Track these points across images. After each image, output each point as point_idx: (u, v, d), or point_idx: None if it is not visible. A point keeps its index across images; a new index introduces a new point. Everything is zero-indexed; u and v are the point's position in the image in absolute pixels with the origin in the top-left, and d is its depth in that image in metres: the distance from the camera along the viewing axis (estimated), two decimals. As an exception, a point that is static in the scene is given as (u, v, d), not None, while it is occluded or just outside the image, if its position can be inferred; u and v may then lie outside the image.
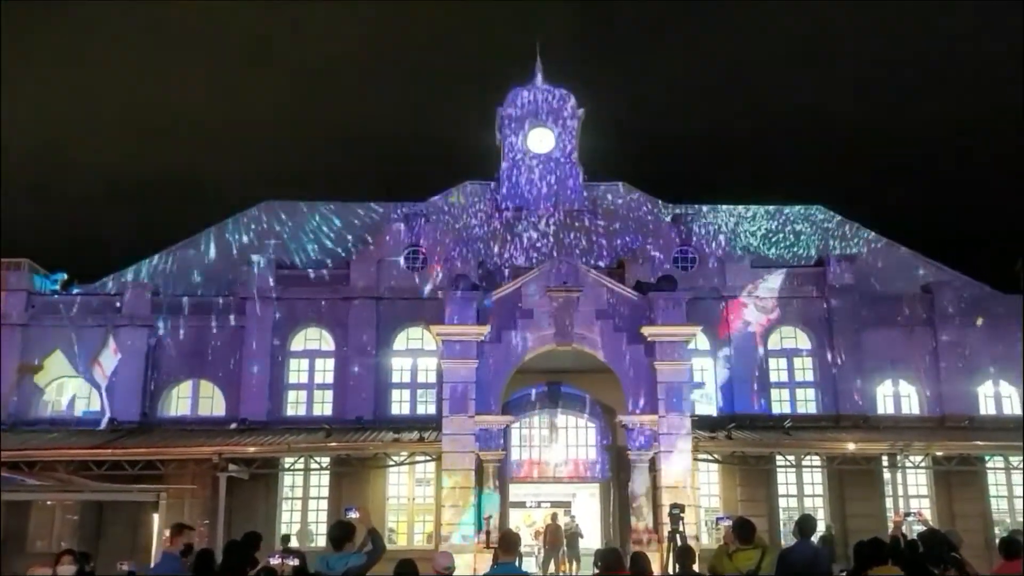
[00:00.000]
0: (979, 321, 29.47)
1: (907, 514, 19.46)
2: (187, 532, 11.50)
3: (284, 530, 28.04)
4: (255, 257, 30.40)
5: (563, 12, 79.59)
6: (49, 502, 26.70)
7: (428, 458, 26.84)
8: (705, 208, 34.77)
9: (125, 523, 26.37)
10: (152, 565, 16.38)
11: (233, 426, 27.85)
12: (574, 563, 26.06)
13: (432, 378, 29.27)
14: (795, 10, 76.45)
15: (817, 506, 28.22)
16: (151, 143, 76.47)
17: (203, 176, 74.53)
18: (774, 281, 29.72)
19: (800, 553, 10.21)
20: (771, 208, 35.52)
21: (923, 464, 27.02)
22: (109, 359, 27.75)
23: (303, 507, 28.56)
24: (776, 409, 29.54)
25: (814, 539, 12.11)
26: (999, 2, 70.95)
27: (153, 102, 79.23)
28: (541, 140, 34.75)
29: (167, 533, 12.10)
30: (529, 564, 26.11)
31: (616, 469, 28.16)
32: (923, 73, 77.81)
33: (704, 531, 26.46)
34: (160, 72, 78.64)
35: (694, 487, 25.41)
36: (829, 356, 29.67)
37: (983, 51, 76.20)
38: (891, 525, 19.31)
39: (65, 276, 31.54)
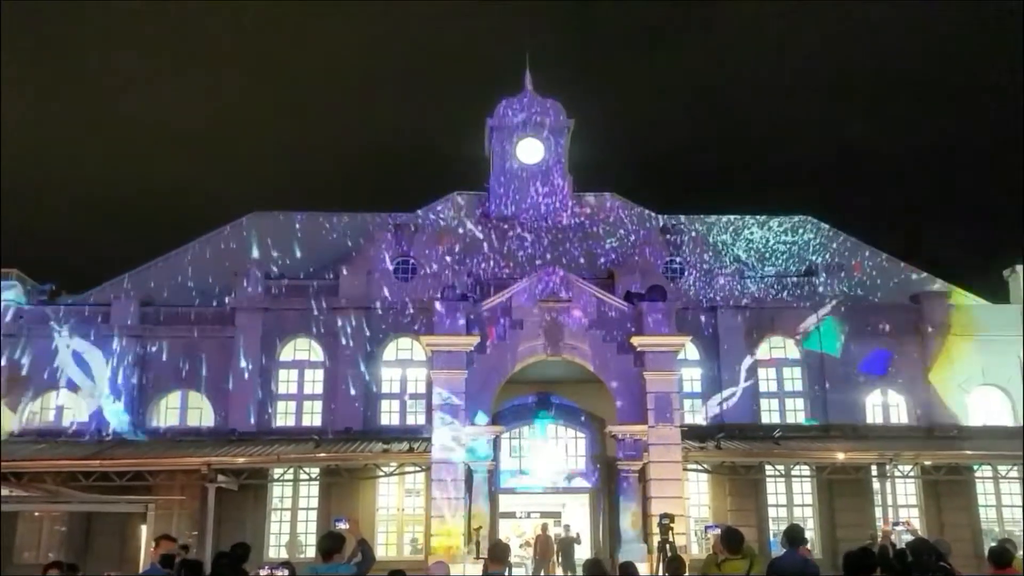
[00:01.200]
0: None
1: (895, 523, 19.56)
2: (165, 543, 11.46)
3: (274, 540, 28.03)
4: (244, 267, 30.37)
5: (552, 23, 79.89)
6: (37, 513, 26.56)
7: (418, 468, 26.81)
8: (694, 218, 34.83)
9: (113, 534, 26.25)
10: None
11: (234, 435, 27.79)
12: (569, 572, 26.00)
13: (422, 388, 29.23)
14: (786, 19, 76.89)
15: (806, 515, 28.29)
16: (141, 153, 76.39)
17: (192, 186, 74.43)
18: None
19: (789, 563, 10.22)
20: (760, 218, 35.58)
21: (912, 473, 27.11)
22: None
23: (292, 518, 28.47)
24: (765, 419, 29.67)
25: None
26: (993, 10, 71.49)
27: (143, 112, 79.17)
28: (530, 151, 34.80)
29: (154, 544, 12.09)
30: (518, 574, 26.07)
31: (606, 479, 28.15)
32: (913, 82, 78.30)
33: (694, 541, 26.46)
34: (150, 83, 78.58)
35: (684, 497, 25.44)
36: (818, 366, 29.82)
37: (976, 61, 76.71)
38: (879, 534, 19.36)
39: (54, 287, 31.42)
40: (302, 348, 30.24)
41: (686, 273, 30.91)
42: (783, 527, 20.07)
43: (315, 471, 27.47)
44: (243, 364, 29.09)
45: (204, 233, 34.38)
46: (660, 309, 25.99)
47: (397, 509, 28.64)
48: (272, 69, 79.86)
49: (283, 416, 29.62)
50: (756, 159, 79.12)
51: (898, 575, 11.00)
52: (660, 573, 19.83)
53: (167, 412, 29.73)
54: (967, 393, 29.98)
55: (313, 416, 29.43)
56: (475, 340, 25.51)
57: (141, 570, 18.40)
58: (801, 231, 35.05)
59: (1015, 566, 11.05)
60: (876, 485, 27.04)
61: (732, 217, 35.53)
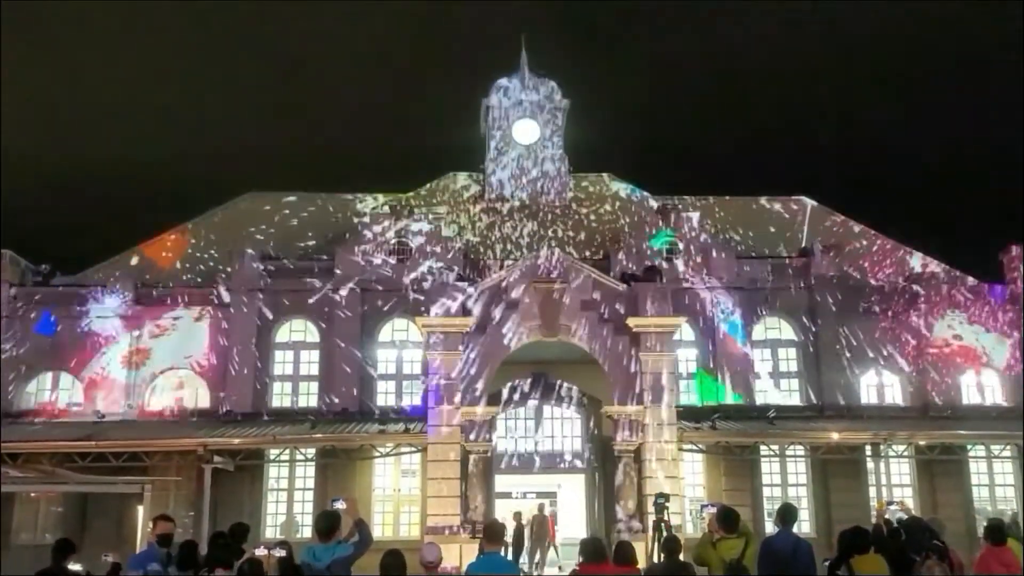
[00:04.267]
0: None
1: (890, 503, 19.65)
2: (162, 523, 11.44)
3: (271, 521, 28.05)
4: (240, 248, 30.30)
5: (549, 3, 79.48)
6: (33, 494, 26.59)
7: (414, 449, 26.86)
8: (690, 199, 34.76)
9: (110, 515, 26.28)
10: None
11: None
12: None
13: (418, 370, 29.22)
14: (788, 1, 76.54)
15: (801, 495, 28.36)
16: (136, 134, 76.01)
17: (188, 167, 74.18)
18: None
19: (782, 542, 10.27)
20: (756, 199, 35.59)
21: (906, 453, 27.23)
22: None
23: (288, 498, 28.47)
24: (760, 399, 29.71)
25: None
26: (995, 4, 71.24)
27: (138, 92, 78.80)
28: (526, 131, 34.72)
29: (151, 525, 12.07)
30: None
31: (602, 460, 28.21)
32: (908, 63, 78.11)
33: (689, 520, 26.57)
34: (146, 63, 78.21)
35: (679, 477, 25.53)
36: (813, 347, 29.86)
37: (972, 40, 76.52)
38: (874, 514, 19.47)
39: (49, 268, 31.32)
40: (298, 329, 30.19)
41: (682, 254, 30.88)
42: (778, 507, 20.17)
43: (311, 452, 27.51)
44: (239, 345, 29.05)
45: (199, 214, 34.30)
46: (656, 290, 26.03)
47: (393, 490, 28.67)
48: (267, 49, 79.49)
49: (279, 397, 29.62)
50: (753, 140, 78.97)
51: (893, 553, 11.08)
52: (656, 552, 19.91)
53: (163, 393, 29.71)
54: (961, 373, 30.07)
55: (309, 397, 29.46)
56: (471, 321, 25.52)
57: (138, 550, 18.47)
58: (797, 211, 35.03)
59: (1010, 543, 11.14)
60: (870, 465, 27.14)
61: (728, 197, 35.50)
